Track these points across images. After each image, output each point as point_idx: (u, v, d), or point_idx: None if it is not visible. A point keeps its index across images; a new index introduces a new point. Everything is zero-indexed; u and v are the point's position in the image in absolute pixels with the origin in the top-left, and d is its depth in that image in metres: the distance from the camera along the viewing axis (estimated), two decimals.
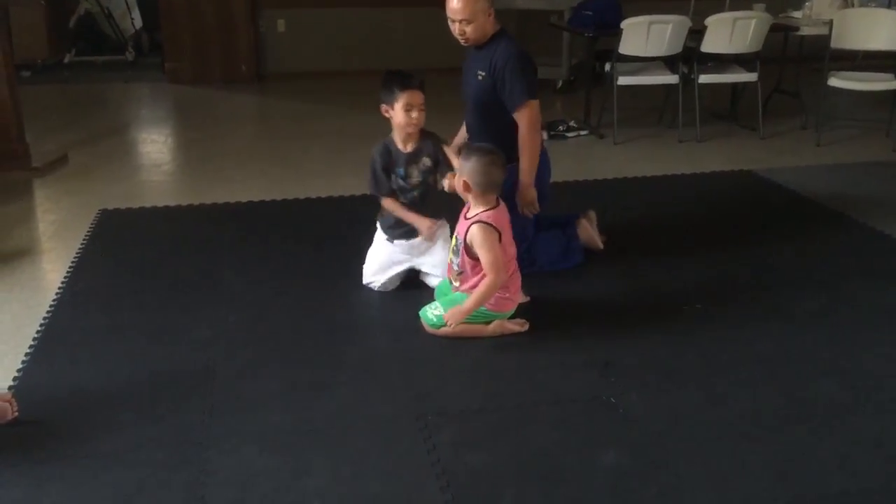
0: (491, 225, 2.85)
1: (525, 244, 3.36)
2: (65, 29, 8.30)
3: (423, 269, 3.31)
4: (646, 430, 2.47)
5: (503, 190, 3.04)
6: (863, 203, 4.40)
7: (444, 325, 2.90)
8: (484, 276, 2.86)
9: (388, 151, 3.20)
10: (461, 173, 2.89)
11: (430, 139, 3.19)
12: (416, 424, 2.47)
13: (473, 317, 2.90)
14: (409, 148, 3.18)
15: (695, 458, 2.33)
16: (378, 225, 3.34)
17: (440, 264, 3.22)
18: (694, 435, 2.44)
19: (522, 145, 3.25)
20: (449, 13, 3.21)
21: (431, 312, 2.97)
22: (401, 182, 3.20)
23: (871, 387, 2.70)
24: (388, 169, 3.20)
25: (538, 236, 3.48)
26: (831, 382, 2.72)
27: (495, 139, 3.32)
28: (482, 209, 2.89)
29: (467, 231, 2.87)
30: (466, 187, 2.88)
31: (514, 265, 2.99)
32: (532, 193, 3.29)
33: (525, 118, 3.25)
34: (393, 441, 2.41)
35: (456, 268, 2.98)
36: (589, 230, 3.67)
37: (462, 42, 3.27)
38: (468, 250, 2.90)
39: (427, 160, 3.17)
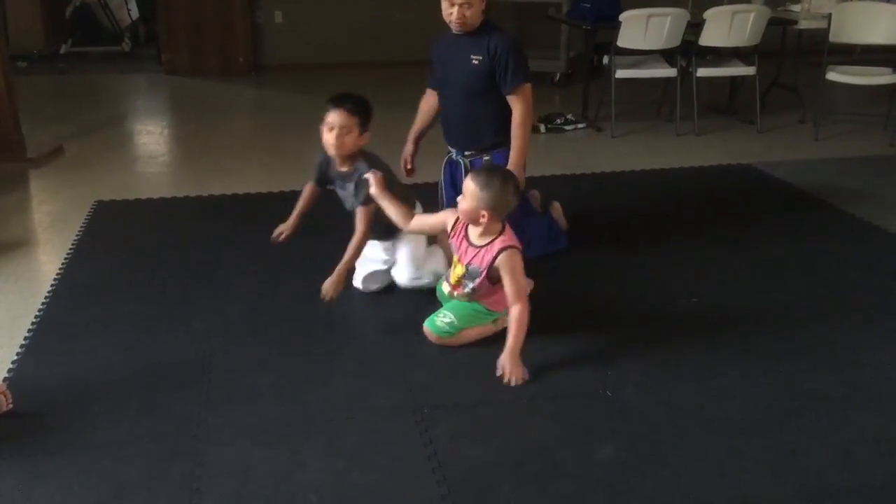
0: (517, 248, 2.76)
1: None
2: (61, 19, 8.27)
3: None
4: (643, 424, 2.46)
5: None
6: (861, 197, 4.39)
7: (454, 333, 2.84)
8: (499, 291, 2.80)
9: (328, 161, 3.13)
10: (477, 203, 2.69)
11: (365, 168, 2.98)
12: (413, 417, 2.46)
13: (480, 317, 2.87)
14: (343, 168, 3.08)
15: (692, 453, 2.33)
16: None
17: (405, 262, 3.18)
18: (691, 429, 2.44)
19: (516, 128, 3.28)
20: None
21: (441, 321, 2.87)
22: (340, 192, 3.16)
23: (869, 382, 2.69)
24: (325, 174, 3.18)
25: (527, 220, 3.48)
26: (830, 377, 2.71)
27: (481, 126, 3.35)
28: (497, 234, 2.77)
29: (494, 259, 2.73)
30: (489, 217, 2.71)
31: None
32: (522, 175, 3.29)
33: (521, 101, 3.28)
34: (389, 434, 2.40)
35: (469, 291, 2.85)
36: (559, 210, 3.77)
37: (457, 27, 3.25)
38: (490, 276, 2.78)
39: (351, 187, 3.04)
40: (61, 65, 7.82)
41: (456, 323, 2.85)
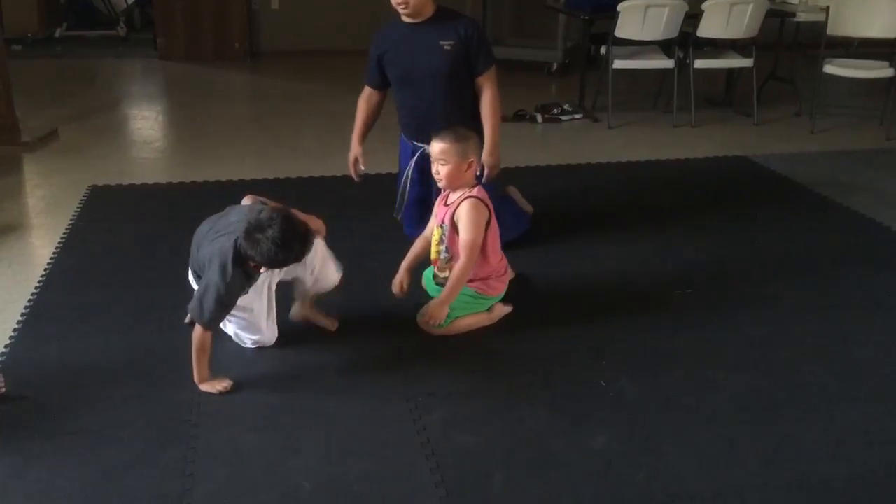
0: (483, 202, 2.80)
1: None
2: (56, 3, 8.23)
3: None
4: (636, 413, 2.47)
5: None
6: (855, 190, 4.40)
7: (447, 322, 2.83)
8: (484, 267, 2.82)
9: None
10: (460, 156, 2.75)
11: None
12: (407, 405, 2.46)
13: (472, 305, 2.88)
14: None
15: (684, 443, 2.34)
16: None
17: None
18: (684, 419, 2.44)
19: (492, 107, 3.29)
20: None
21: None
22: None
23: (860, 374, 2.70)
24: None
25: (502, 203, 3.49)
26: (821, 369, 2.72)
27: (458, 112, 3.30)
28: (467, 190, 2.82)
29: (455, 210, 2.80)
30: (475, 161, 2.81)
31: (500, 249, 2.95)
32: (498, 153, 3.30)
33: (492, 81, 3.31)
34: (383, 422, 2.40)
35: (444, 256, 2.89)
36: (518, 193, 3.75)
37: (402, 10, 3.19)
38: (456, 231, 2.82)
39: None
40: (56, 49, 7.78)
41: (449, 312, 2.85)
